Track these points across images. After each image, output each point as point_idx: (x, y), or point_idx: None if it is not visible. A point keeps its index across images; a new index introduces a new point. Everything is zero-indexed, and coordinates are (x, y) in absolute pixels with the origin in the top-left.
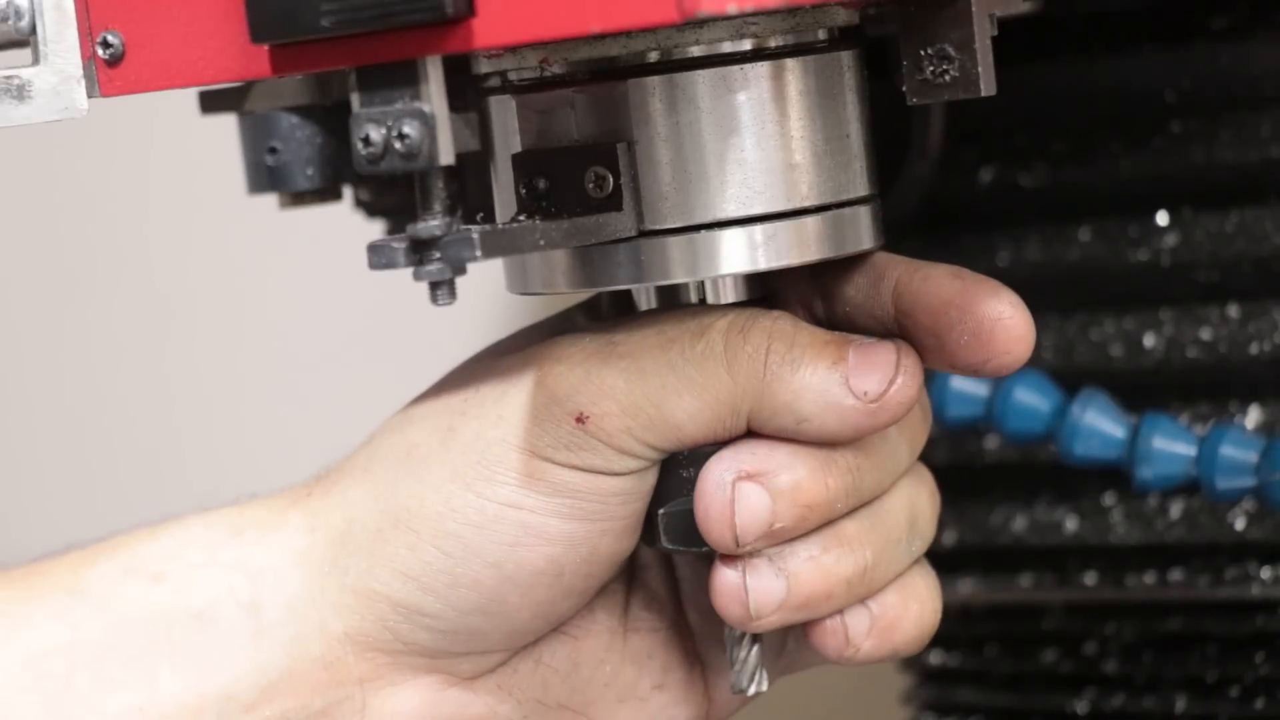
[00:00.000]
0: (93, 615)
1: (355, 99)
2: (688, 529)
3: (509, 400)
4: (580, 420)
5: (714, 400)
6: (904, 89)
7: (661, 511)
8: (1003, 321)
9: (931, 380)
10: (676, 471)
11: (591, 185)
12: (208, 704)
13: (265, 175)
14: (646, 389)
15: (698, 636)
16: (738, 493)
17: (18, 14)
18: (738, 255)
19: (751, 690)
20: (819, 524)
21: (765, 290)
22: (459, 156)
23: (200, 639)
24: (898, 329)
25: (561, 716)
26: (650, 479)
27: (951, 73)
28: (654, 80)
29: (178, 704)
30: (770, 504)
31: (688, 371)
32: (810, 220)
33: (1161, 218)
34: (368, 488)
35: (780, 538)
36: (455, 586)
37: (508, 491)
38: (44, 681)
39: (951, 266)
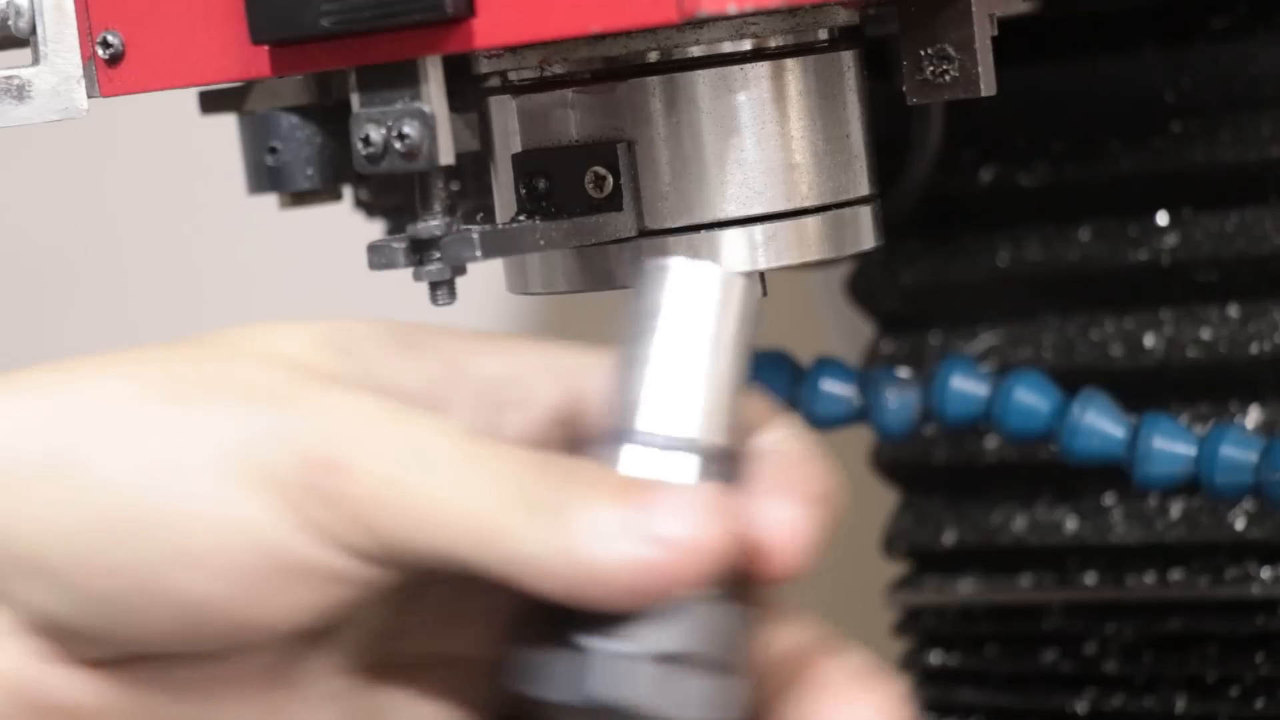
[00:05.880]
0: None
1: (355, 99)
2: None
3: None
4: None
5: None
6: (904, 89)
7: None
8: None
9: (932, 379)
10: None
11: (591, 185)
12: None
13: (265, 175)
14: None
15: None
16: None
17: (18, 14)
18: (738, 255)
19: None
20: None
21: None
22: (459, 156)
23: None
24: None
25: None
26: None
27: (951, 73)
28: (654, 80)
29: None
30: None
31: None
32: (810, 220)
33: (1161, 218)
34: None
35: None
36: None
37: None
38: None
39: None
